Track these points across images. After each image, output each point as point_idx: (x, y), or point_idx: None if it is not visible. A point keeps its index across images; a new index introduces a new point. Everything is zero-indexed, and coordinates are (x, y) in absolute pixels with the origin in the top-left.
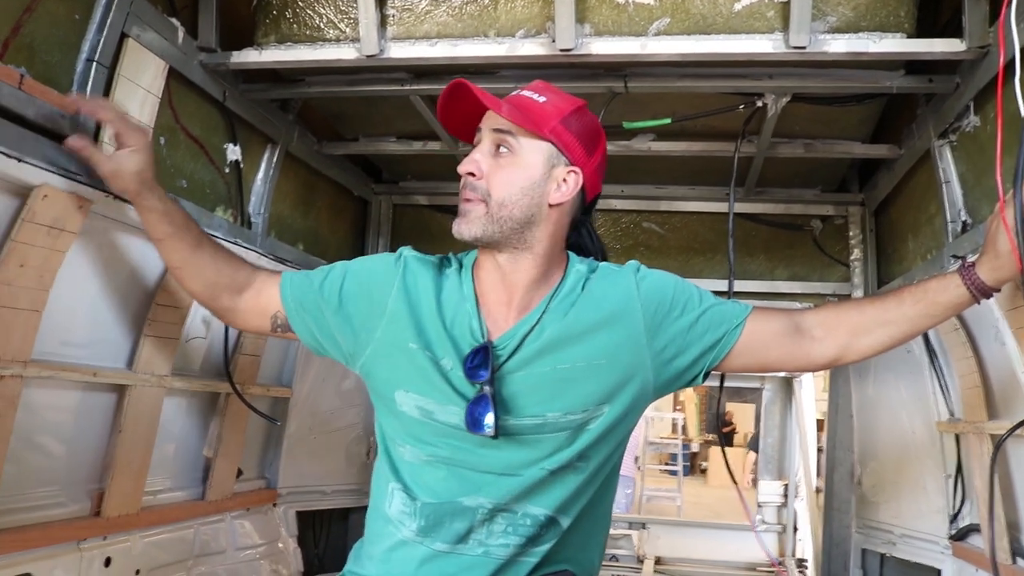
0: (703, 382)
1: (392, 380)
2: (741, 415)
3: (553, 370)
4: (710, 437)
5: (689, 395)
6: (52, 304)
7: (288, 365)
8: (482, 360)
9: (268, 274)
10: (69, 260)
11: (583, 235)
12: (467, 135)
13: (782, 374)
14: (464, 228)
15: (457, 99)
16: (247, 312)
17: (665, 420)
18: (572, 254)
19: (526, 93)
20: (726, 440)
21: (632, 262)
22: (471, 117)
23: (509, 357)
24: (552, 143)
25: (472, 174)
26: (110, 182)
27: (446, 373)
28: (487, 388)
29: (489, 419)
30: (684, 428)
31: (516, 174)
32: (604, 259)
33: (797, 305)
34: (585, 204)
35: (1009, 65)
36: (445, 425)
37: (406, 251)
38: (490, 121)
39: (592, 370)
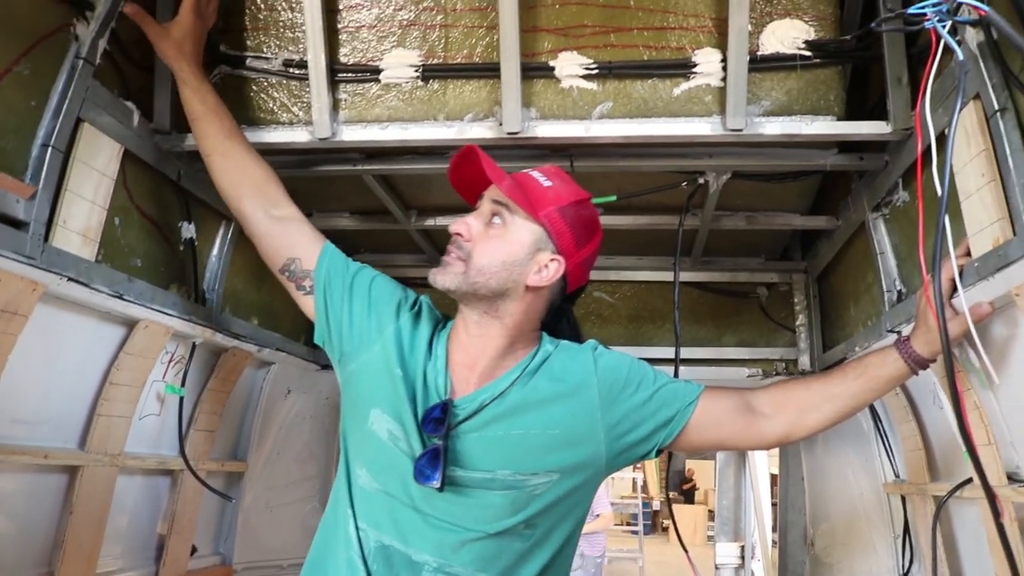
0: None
1: (372, 397)
2: (701, 472)
3: (507, 435)
4: (671, 495)
5: None
6: (3, 384)
7: (243, 439)
8: (440, 416)
9: (302, 216)
10: (21, 340)
11: (563, 323)
12: (471, 197)
13: None
14: (440, 278)
15: (469, 162)
16: (265, 235)
17: (626, 479)
18: (545, 335)
19: (535, 174)
20: (687, 497)
21: (591, 340)
22: (478, 181)
23: (466, 418)
24: (544, 227)
25: (460, 234)
26: (155, 47)
27: (417, 410)
28: (439, 443)
29: (437, 472)
30: (645, 486)
31: (501, 247)
32: None
33: (745, 371)
34: (567, 292)
35: (927, 152)
36: (408, 457)
37: (424, 299)
38: (492, 192)
39: (545, 438)
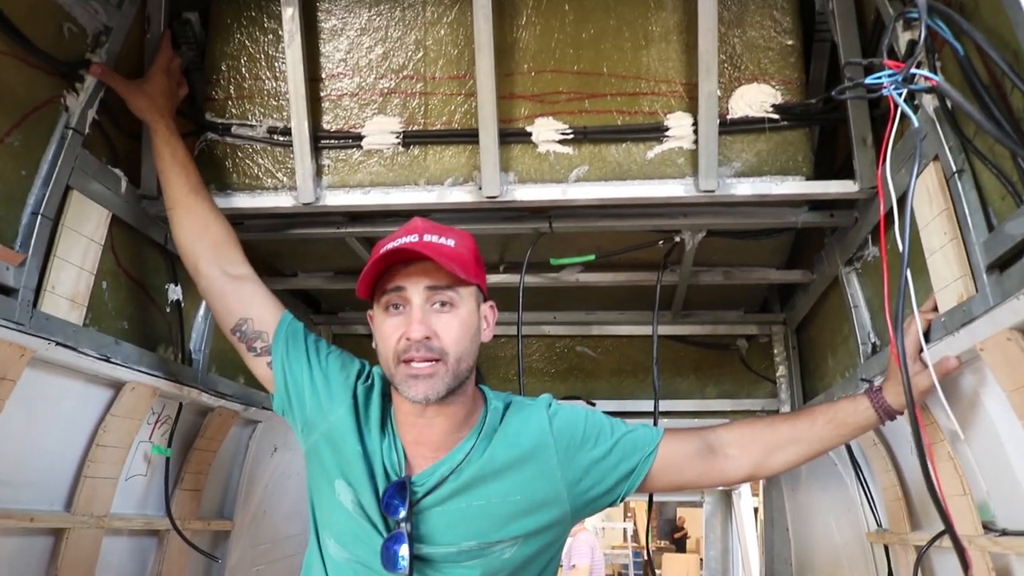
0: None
1: (335, 468)
2: (692, 520)
3: (469, 506)
4: (662, 543)
5: (640, 504)
6: None
7: (230, 497)
8: (399, 496)
9: (257, 277)
10: (8, 404)
11: None
12: (364, 290)
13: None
14: (431, 391)
15: (395, 258)
16: (220, 294)
17: (616, 529)
18: (487, 390)
19: (432, 239)
20: (678, 546)
21: (544, 396)
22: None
23: (426, 494)
24: (477, 285)
25: (429, 338)
26: (128, 103)
27: (378, 487)
28: (403, 525)
29: (404, 551)
30: (636, 536)
31: (463, 328)
32: None
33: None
34: None
35: (890, 213)
36: (373, 528)
37: (376, 370)
38: (420, 279)
39: (507, 506)
